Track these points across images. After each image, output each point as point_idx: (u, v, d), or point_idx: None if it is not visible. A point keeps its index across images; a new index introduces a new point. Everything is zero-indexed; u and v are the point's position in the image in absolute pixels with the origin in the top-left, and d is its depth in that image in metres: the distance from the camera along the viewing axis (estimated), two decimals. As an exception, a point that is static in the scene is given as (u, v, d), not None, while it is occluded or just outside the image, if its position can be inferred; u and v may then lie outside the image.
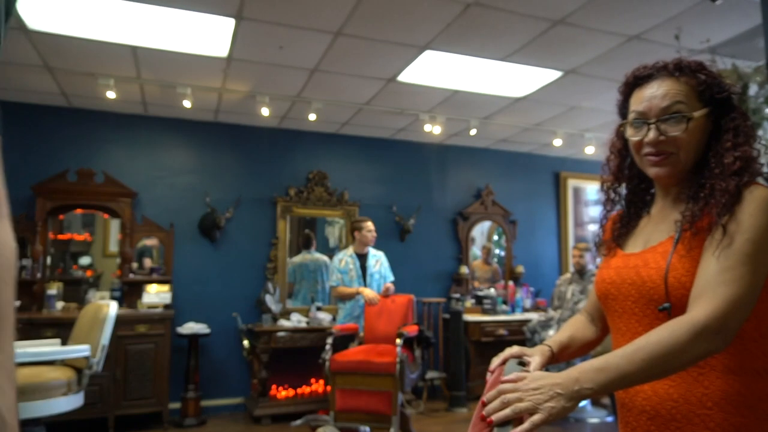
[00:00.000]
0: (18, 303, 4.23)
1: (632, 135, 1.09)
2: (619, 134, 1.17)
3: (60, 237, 4.76)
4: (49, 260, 4.60)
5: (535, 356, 1.10)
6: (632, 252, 1.12)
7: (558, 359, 1.17)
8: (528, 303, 5.85)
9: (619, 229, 1.19)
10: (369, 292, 4.20)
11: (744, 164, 1.00)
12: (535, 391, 0.87)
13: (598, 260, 1.27)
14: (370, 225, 4.46)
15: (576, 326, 1.27)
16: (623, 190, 1.22)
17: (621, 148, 1.18)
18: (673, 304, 0.99)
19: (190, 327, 4.56)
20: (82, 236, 4.88)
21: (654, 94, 1.06)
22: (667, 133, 1.04)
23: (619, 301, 1.10)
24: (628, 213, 1.20)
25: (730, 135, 1.03)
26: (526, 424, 0.85)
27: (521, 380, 0.91)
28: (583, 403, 4.55)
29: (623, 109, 1.15)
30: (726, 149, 1.02)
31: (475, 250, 6.16)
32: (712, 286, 0.92)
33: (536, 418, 0.85)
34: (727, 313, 0.89)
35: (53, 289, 4.35)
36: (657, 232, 1.09)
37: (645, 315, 1.05)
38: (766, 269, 0.94)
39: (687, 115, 1.03)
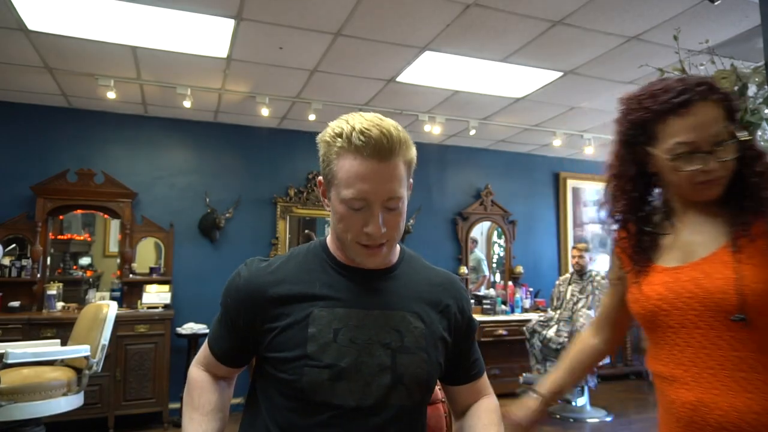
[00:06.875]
0: (18, 303, 4.24)
1: (684, 166, 1.04)
2: (630, 161, 1.14)
3: (60, 237, 4.76)
4: (49, 260, 4.59)
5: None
6: (677, 266, 1.09)
7: (553, 400, 1.24)
8: (527, 303, 5.86)
9: (641, 245, 1.15)
10: None
11: None
12: None
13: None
14: None
15: (576, 357, 1.32)
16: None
17: (634, 175, 1.15)
18: (748, 312, 0.99)
19: (190, 327, 4.57)
20: (82, 236, 4.89)
21: (701, 122, 1.02)
22: (722, 158, 1.02)
23: (674, 317, 1.07)
24: (639, 230, 1.16)
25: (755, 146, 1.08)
26: None
27: None
28: (582, 402, 4.57)
29: (640, 133, 1.10)
30: (756, 158, 1.06)
31: (477, 252, 6.16)
32: None
33: None
34: None
35: (53, 290, 4.34)
36: (697, 244, 1.08)
37: (712, 327, 1.02)
38: None
39: (736, 140, 1.02)
